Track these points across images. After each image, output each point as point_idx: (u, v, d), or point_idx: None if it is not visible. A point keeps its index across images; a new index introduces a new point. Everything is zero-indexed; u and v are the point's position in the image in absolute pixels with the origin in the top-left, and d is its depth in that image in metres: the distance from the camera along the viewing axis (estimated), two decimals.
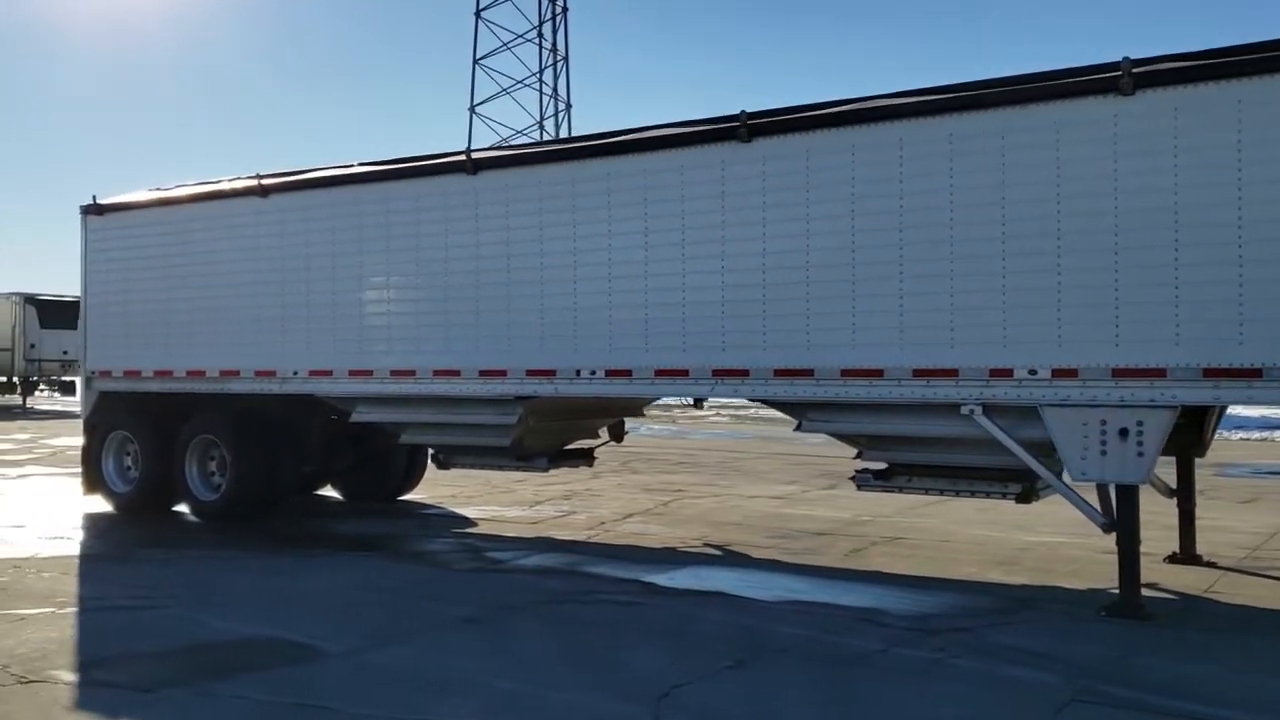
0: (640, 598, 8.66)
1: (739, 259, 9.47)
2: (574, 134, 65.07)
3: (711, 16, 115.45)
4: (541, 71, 67.47)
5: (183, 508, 13.39)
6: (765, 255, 9.35)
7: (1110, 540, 8.33)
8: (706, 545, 11.09)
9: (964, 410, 8.63)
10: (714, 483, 16.50)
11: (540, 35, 65.69)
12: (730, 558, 10.43)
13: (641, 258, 9.94)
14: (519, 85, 66.81)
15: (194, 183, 13.42)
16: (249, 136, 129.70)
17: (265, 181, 12.19)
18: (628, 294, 10.01)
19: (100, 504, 13.60)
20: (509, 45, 66.30)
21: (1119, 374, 7.96)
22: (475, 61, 66.29)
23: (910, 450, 9.42)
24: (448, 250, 11.01)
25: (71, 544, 11.13)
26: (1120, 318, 7.95)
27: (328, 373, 11.76)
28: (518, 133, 66.27)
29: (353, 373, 11.59)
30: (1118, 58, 8.02)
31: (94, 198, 13.63)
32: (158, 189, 13.73)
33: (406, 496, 14.69)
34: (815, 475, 17.61)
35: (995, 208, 8.44)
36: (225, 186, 12.60)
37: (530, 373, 10.54)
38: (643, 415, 13.35)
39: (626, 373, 10.03)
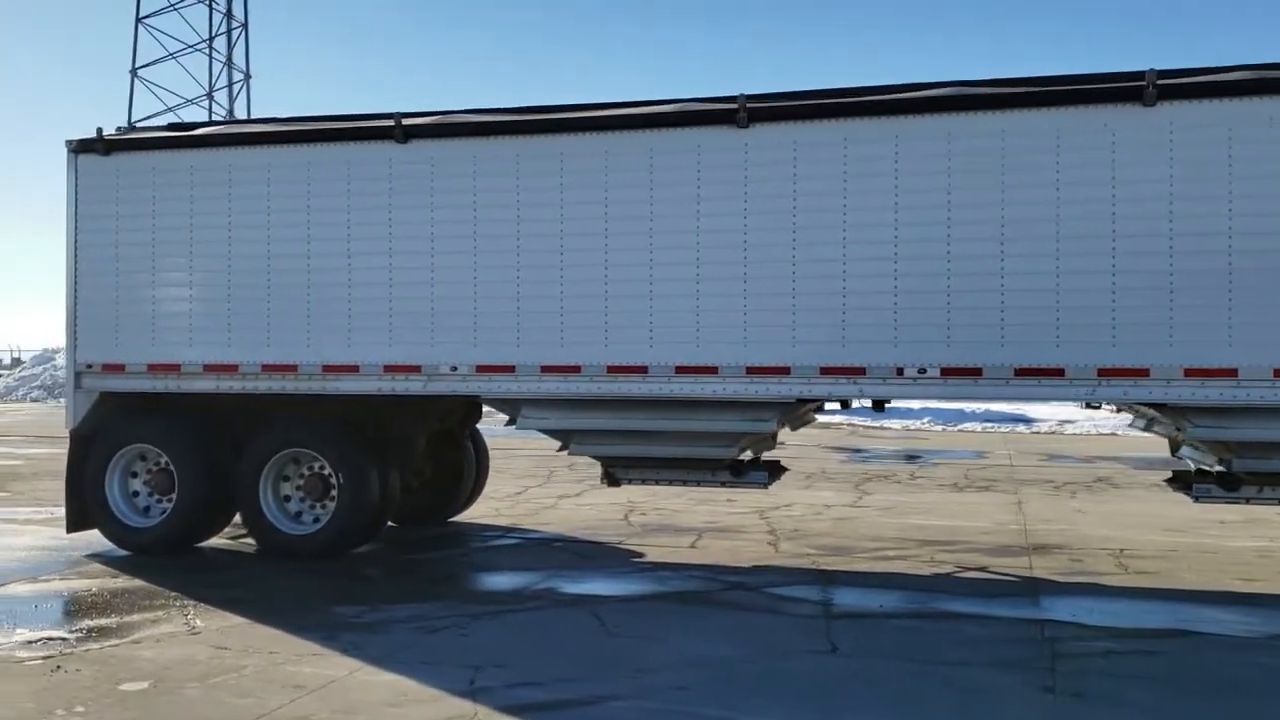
0: (1148, 645, 7.16)
1: (1136, 239, 8.19)
2: (251, 108, 60.37)
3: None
4: (213, 37, 61.76)
5: (216, 542, 10.34)
6: (1173, 237, 8.11)
7: None
8: (967, 570, 9.66)
9: None
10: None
11: None
12: (1033, 583, 9.05)
13: (996, 234, 8.40)
14: (188, 50, 60.79)
15: (251, 119, 10.29)
16: None
17: (407, 122, 9.46)
18: (974, 276, 8.43)
19: (90, 542, 10.24)
20: (176, 6, 60.18)
21: None
22: (138, 20, 59.63)
23: None
24: (700, 220, 8.93)
25: (193, 608, 8.07)
26: None
27: (507, 369, 9.28)
28: (187, 101, 60.44)
29: (549, 369, 9.20)
30: None
31: (98, 131, 10.16)
32: (174, 125, 10.46)
33: (457, 518, 12.17)
34: (801, 478, 16.49)
35: None
36: (340, 126, 9.69)
37: (826, 370, 8.71)
38: None
39: (974, 371, 8.45)
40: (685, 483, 9.86)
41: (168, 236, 9.93)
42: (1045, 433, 28.78)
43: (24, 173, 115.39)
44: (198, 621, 7.54)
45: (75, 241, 10.17)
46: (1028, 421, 31.88)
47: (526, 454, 19.09)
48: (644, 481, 9.92)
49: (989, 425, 30.44)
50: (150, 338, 9.96)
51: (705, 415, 9.15)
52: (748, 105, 8.76)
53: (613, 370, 9.08)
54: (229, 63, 63.45)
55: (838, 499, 14.12)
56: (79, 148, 10.17)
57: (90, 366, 10.15)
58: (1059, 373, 8.29)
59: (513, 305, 9.25)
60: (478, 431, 12.14)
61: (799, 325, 8.71)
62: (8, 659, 6.55)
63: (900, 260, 8.51)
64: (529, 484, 15.47)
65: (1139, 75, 8.18)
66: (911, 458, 20.57)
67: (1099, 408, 37.91)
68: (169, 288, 9.92)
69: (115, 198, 10.06)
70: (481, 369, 9.32)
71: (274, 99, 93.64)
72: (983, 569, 9.66)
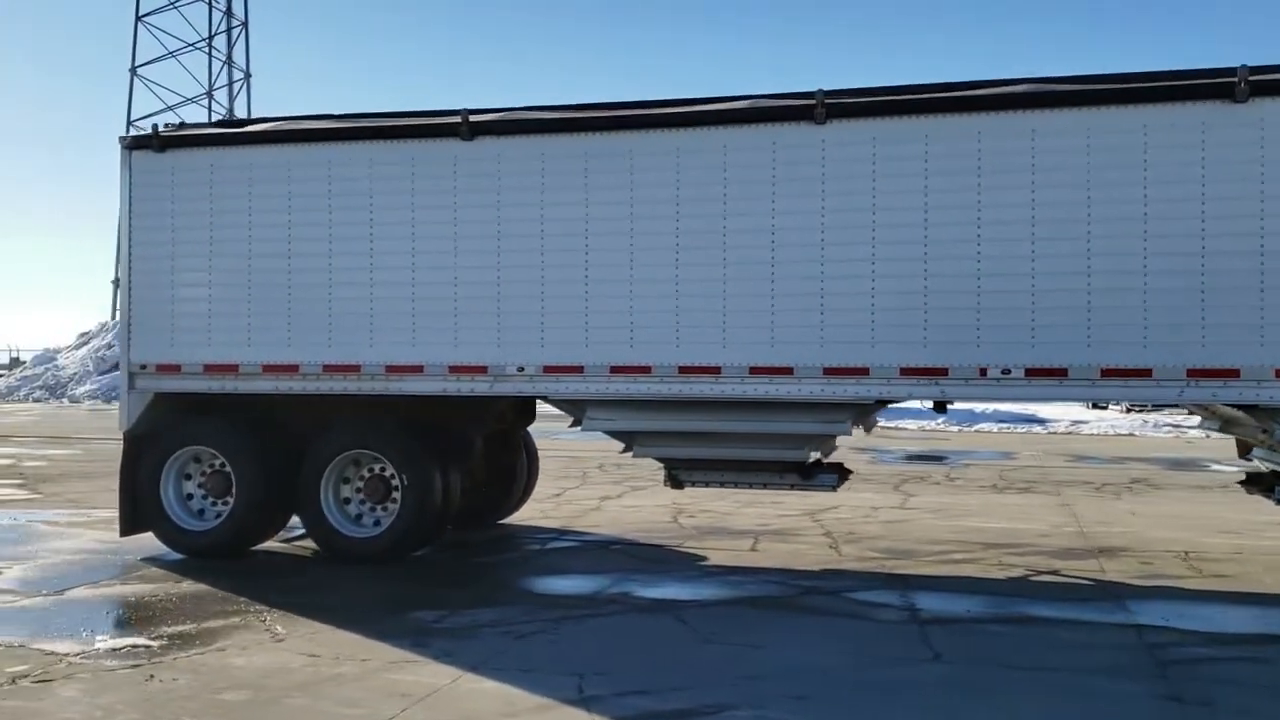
0: (1252, 651, 7.03)
1: (1225, 238, 8.07)
2: (251, 107, 60.10)
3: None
4: (212, 36, 61.56)
5: (269, 546, 10.18)
6: (1264, 235, 7.99)
7: None
8: (1039, 573, 9.53)
9: None
10: None
11: None
12: (1110, 587, 8.91)
13: (1081, 233, 8.27)
14: (188, 48, 60.59)
15: (310, 115, 10.13)
16: None
17: (474, 119, 9.30)
18: (1060, 275, 8.30)
19: (140, 546, 10.07)
20: (176, 4, 59.93)
21: None
22: (138, 18, 59.39)
23: None
24: (774, 218, 8.78)
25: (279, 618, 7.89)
26: None
27: (575, 370, 9.13)
28: (186, 100, 60.30)
29: (618, 370, 9.04)
30: None
31: (155, 127, 9.99)
32: (229, 121, 10.26)
33: (506, 520, 12.02)
34: None
35: None
36: (404, 123, 9.52)
37: (906, 371, 8.57)
38: None
39: (1059, 372, 8.32)
40: (751, 485, 9.71)
41: (225, 234, 9.76)
42: (1061, 433, 28.70)
43: (24, 173, 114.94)
44: (278, 628, 7.38)
45: (129, 239, 10.00)
46: (1040, 422, 31.86)
47: (553, 455, 18.90)
48: (708, 484, 9.77)
49: (1004, 426, 30.36)
50: (207, 337, 9.79)
51: (778, 417, 9.01)
52: (826, 101, 8.62)
53: (684, 371, 8.93)
54: (229, 61, 63.23)
55: (883, 501, 13.99)
56: (133, 144, 10.00)
57: (144, 367, 9.97)
58: (1146, 373, 8.16)
59: (581, 305, 9.09)
60: (528, 433, 11.98)
61: (879, 325, 8.57)
62: (98, 668, 6.38)
63: (983, 259, 8.38)
64: (566, 485, 15.32)
65: (1229, 71, 8.05)
66: (938, 459, 20.44)
67: (1106, 408, 37.95)
68: (226, 286, 9.75)
69: (170, 195, 9.89)
70: (549, 369, 9.16)
71: (273, 98, 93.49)
72: (1055, 572, 9.53)
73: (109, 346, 47.60)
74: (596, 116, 9.18)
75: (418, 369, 9.36)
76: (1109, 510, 13.31)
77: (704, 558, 10.10)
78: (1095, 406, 38.41)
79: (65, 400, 44.15)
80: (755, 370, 8.80)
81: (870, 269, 8.57)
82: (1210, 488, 15.91)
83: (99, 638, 7.11)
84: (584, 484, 15.58)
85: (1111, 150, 8.19)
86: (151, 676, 6.23)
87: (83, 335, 51.02)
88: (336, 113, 10.12)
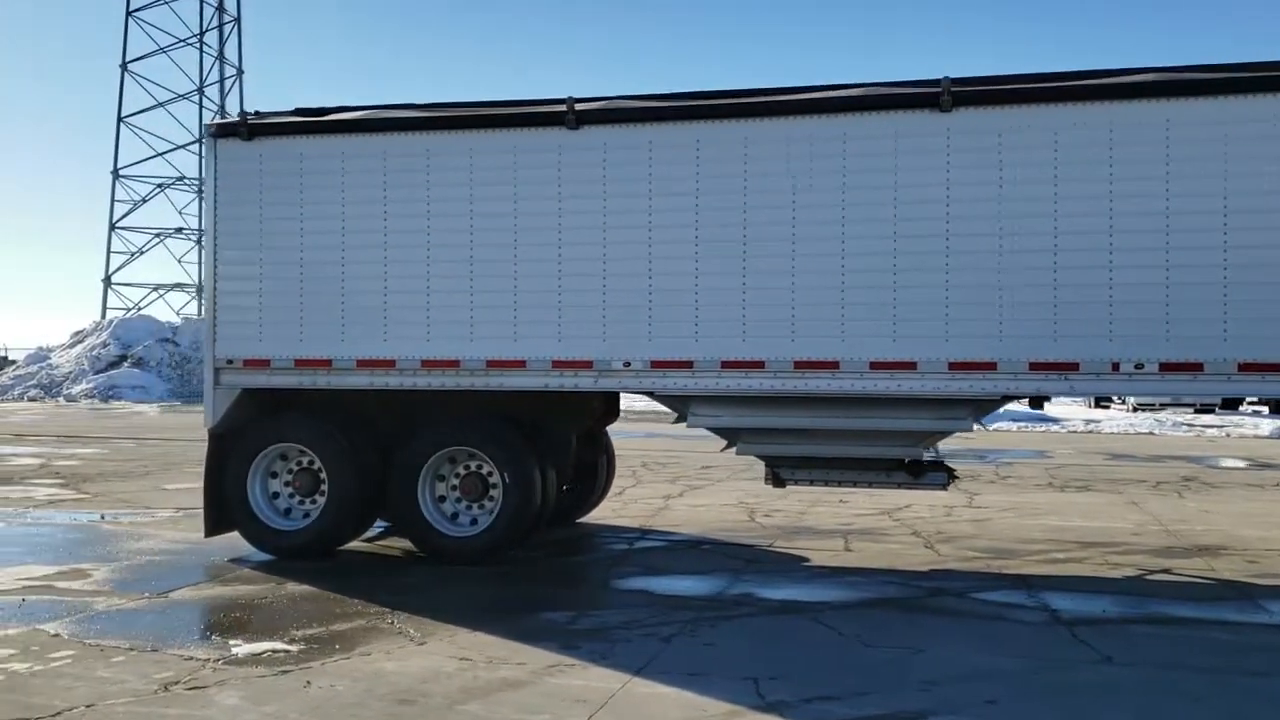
0: None
1: None
2: (244, 104, 59.66)
3: None
4: (204, 32, 61.04)
5: (354, 546, 9.88)
6: None
7: None
8: (1152, 572, 9.35)
9: None
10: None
11: None
12: (1233, 586, 8.75)
13: (1218, 224, 8.09)
14: (179, 44, 60.09)
15: (405, 105, 9.83)
16: None
17: (580, 107, 9.03)
18: (1195, 268, 8.11)
19: (222, 546, 9.77)
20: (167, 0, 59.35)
21: None
22: (129, 14, 58.81)
23: None
24: (896, 207, 8.56)
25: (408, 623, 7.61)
26: None
27: (684, 365, 8.88)
28: (178, 97, 59.81)
29: (729, 365, 8.80)
30: None
31: (243, 113, 9.68)
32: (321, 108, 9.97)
33: (583, 518, 11.78)
34: None
35: None
36: (506, 111, 9.25)
37: (1035, 366, 8.35)
38: None
39: (1195, 367, 8.13)
40: (856, 484, 9.49)
41: (316, 225, 9.46)
42: (1081, 432, 28.58)
43: (15, 175, 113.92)
44: (411, 630, 7.10)
45: (215, 230, 9.68)
46: (1054, 421, 31.80)
47: None
48: (812, 482, 9.55)
49: (1021, 425, 30.25)
50: (298, 331, 9.48)
51: (895, 413, 8.79)
52: (952, 88, 8.39)
53: (800, 366, 8.69)
54: (220, 57, 62.72)
55: (951, 499, 13.76)
56: (219, 131, 9.69)
57: (230, 362, 9.66)
58: (1274, 368, 7.96)
59: (691, 298, 8.85)
60: (606, 431, 11.73)
61: (1006, 318, 8.34)
62: (248, 675, 6.10)
63: (1116, 251, 8.17)
64: (622, 484, 15.02)
65: None
66: (976, 457, 20.26)
67: (1109, 406, 37.96)
68: (319, 279, 9.44)
69: (259, 184, 9.58)
70: (656, 364, 8.91)
71: (266, 95, 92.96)
72: (1166, 571, 9.35)
73: (104, 345, 47.04)
74: (708, 104, 8.93)
75: (520, 364, 9.09)
76: (1181, 508, 13.15)
77: (804, 558, 9.87)
78: (1098, 404, 38.48)
79: (61, 399, 43.57)
80: (875, 365, 8.57)
81: (997, 261, 8.35)
82: (1265, 486, 15.81)
83: (231, 642, 6.82)
84: (639, 483, 15.33)
85: (1249, 140, 8.00)
86: (308, 683, 5.95)
87: (77, 334, 50.39)
88: (428, 101, 9.83)
